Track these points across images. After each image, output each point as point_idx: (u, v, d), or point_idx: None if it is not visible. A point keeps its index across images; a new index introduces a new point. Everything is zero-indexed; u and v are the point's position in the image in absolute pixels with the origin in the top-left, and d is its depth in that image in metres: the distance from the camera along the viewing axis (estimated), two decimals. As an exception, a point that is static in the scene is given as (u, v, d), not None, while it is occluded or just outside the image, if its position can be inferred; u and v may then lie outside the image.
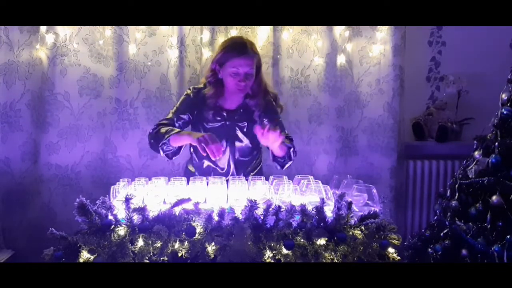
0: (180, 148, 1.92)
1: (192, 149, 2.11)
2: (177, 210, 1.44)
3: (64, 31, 2.39)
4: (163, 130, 1.89)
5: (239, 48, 1.92)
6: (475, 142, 1.94)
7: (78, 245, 1.37)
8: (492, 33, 2.71)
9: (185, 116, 2.00)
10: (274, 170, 2.05)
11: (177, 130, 1.88)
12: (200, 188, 1.61)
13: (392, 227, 1.51)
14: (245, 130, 2.03)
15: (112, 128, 2.49)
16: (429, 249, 1.95)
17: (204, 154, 1.75)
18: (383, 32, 2.60)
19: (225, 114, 2.02)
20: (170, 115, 2.00)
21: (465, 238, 1.75)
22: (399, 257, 1.49)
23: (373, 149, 2.69)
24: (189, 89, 2.07)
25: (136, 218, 1.42)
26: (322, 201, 1.47)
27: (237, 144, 2.03)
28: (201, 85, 2.08)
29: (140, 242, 1.38)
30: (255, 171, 2.08)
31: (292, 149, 1.97)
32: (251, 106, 2.03)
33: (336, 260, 1.39)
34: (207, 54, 2.50)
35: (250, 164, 2.06)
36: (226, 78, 1.96)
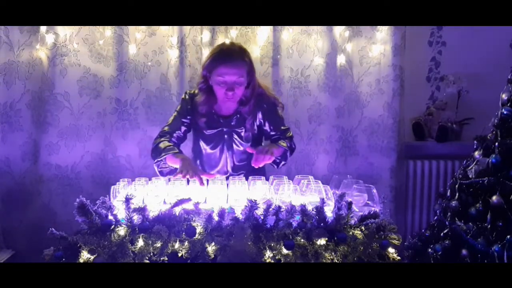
0: (176, 168, 1.85)
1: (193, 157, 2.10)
2: (177, 210, 1.44)
3: (64, 31, 2.39)
4: (162, 145, 1.86)
5: (226, 56, 1.85)
6: (475, 142, 1.93)
7: (78, 245, 1.37)
8: (492, 33, 2.72)
9: (186, 120, 1.99)
10: (274, 169, 2.05)
11: (175, 150, 1.84)
12: (200, 188, 1.61)
13: (392, 227, 1.51)
14: (242, 135, 2.00)
15: (112, 128, 2.49)
16: (429, 249, 1.94)
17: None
18: (383, 32, 2.60)
19: (221, 120, 1.99)
20: (170, 122, 1.98)
21: (465, 238, 1.75)
22: (399, 257, 1.49)
23: (373, 149, 2.69)
24: (185, 93, 2.05)
25: (136, 218, 1.42)
26: (322, 201, 1.47)
27: (236, 148, 2.01)
28: (195, 91, 2.04)
29: (140, 242, 1.38)
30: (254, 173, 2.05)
31: (287, 152, 1.96)
32: (244, 113, 1.98)
33: (336, 260, 1.39)
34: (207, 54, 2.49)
35: (248, 167, 1.99)
36: (214, 86, 1.90)
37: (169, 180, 1.66)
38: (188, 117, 2.00)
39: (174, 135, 1.96)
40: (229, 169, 2.02)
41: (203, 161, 2.05)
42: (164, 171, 1.87)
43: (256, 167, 1.80)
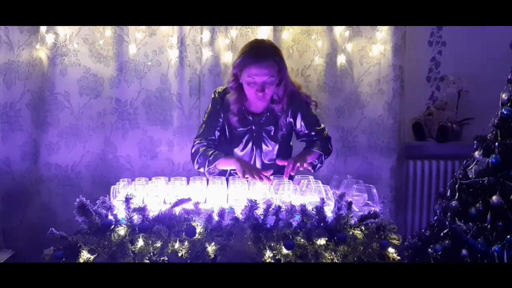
0: (225, 170, 1.92)
1: None
2: (177, 210, 1.44)
3: (64, 31, 2.39)
4: (209, 152, 1.86)
5: (256, 55, 1.80)
6: (475, 142, 1.93)
7: (78, 245, 1.37)
8: (492, 33, 2.71)
9: (219, 123, 1.96)
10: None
11: (223, 154, 1.85)
12: (200, 188, 1.61)
13: (392, 227, 1.51)
14: (272, 134, 1.97)
15: (112, 128, 2.49)
16: (429, 249, 1.94)
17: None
18: (383, 32, 2.60)
19: (251, 118, 1.96)
20: (202, 130, 1.96)
21: (465, 238, 1.75)
22: (399, 257, 1.49)
23: (373, 149, 2.69)
24: (215, 92, 2.00)
25: (136, 218, 1.42)
26: (322, 201, 1.47)
27: (264, 148, 1.98)
28: (225, 88, 1.99)
29: (140, 242, 1.38)
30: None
31: (322, 156, 1.97)
32: (277, 111, 1.95)
33: (336, 260, 1.39)
34: (207, 54, 2.50)
35: (278, 166, 1.94)
36: (244, 86, 1.87)
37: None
38: (220, 119, 1.96)
39: (211, 142, 1.95)
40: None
41: None
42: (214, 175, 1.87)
43: (286, 178, 1.77)
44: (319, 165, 1.99)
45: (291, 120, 1.99)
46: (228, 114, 1.95)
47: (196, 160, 1.91)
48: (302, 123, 1.99)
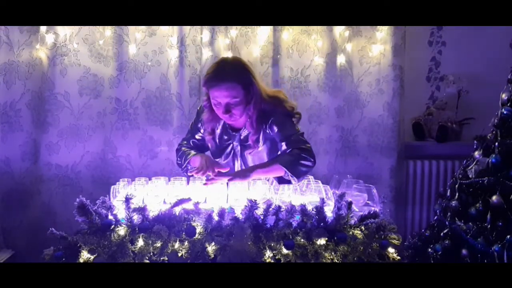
0: None
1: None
2: (177, 210, 1.44)
3: (64, 31, 2.39)
4: (184, 151, 1.95)
5: (217, 76, 1.72)
6: (475, 142, 1.93)
7: (78, 245, 1.38)
8: (492, 33, 2.72)
9: (200, 133, 2.00)
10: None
11: (194, 152, 1.92)
12: (200, 188, 1.61)
13: (392, 227, 1.51)
14: (251, 148, 1.89)
15: (112, 128, 2.49)
16: (429, 249, 1.95)
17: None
18: (383, 32, 2.60)
19: (231, 133, 1.91)
20: (186, 134, 2.07)
21: (465, 238, 1.75)
22: (399, 257, 1.49)
23: (373, 149, 2.69)
24: (200, 106, 2.00)
25: (136, 218, 1.42)
26: (322, 201, 1.47)
27: (249, 162, 1.92)
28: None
29: (140, 242, 1.38)
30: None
31: (289, 174, 1.70)
32: (247, 127, 1.85)
33: (336, 260, 1.39)
34: (207, 54, 2.50)
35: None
36: (213, 106, 1.81)
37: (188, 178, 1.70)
38: (201, 132, 2.00)
39: (192, 144, 2.02)
40: None
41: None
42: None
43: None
44: (294, 179, 1.72)
45: (270, 133, 1.86)
46: (204, 133, 1.97)
47: (177, 160, 2.00)
48: (276, 136, 1.84)
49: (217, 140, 1.95)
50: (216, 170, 1.74)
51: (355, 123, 2.69)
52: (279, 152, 1.86)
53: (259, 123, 1.84)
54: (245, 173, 1.71)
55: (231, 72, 1.75)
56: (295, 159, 1.72)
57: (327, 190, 1.60)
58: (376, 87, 2.65)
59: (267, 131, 1.86)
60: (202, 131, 1.99)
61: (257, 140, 1.87)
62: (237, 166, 1.96)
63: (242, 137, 1.90)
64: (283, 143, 1.81)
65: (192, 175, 1.74)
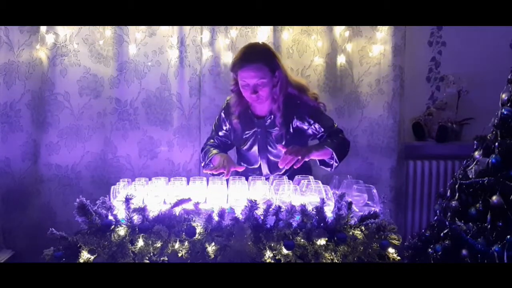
0: None
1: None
2: (177, 210, 1.44)
3: (64, 31, 2.39)
4: (207, 150, 2.05)
5: (245, 58, 1.83)
6: (475, 142, 1.93)
7: (78, 245, 1.38)
8: (492, 33, 2.71)
9: (221, 133, 2.09)
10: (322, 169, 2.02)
11: (216, 151, 2.01)
12: (200, 188, 1.61)
13: (392, 227, 1.51)
14: (277, 136, 1.94)
15: (112, 128, 2.49)
16: (429, 249, 1.94)
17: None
18: (383, 32, 2.60)
19: (256, 120, 1.97)
20: (210, 132, 2.16)
21: (465, 238, 1.75)
22: (399, 257, 1.48)
23: (373, 149, 2.69)
24: (226, 100, 2.08)
25: (136, 218, 1.42)
26: (322, 201, 1.47)
27: (270, 150, 1.97)
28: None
29: (140, 242, 1.38)
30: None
31: (333, 153, 1.85)
32: (274, 111, 1.92)
33: (336, 260, 1.39)
34: (207, 54, 2.50)
35: (289, 169, 1.88)
36: (240, 88, 1.89)
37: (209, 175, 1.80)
38: (224, 125, 2.06)
39: (216, 143, 2.11)
40: (267, 170, 2.02)
41: (245, 161, 2.07)
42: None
43: (281, 167, 1.77)
44: (334, 163, 1.90)
45: (297, 123, 1.94)
46: (231, 117, 2.00)
47: (201, 158, 2.11)
48: (307, 124, 1.94)
49: (243, 125, 1.99)
50: (232, 170, 1.87)
51: (355, 123, 2.69)
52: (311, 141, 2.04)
53: (288, 107, 1.91)
54: (306, 152, 1.81)
55: (259, 54, 1.85)
56: (341, 144, 1.93)
57: (327, 190, 1.60)
58: (376, 87, 2.65)
59: (297, 123, 1.94)
60: (224, 126, 2.06)
61: (284, 124, 1.93)
62: (258, 158, 2.02)
63: (267, 123, 1.96)
64: (325, 134, 1.95)
65: (211, 173, 1.85)
